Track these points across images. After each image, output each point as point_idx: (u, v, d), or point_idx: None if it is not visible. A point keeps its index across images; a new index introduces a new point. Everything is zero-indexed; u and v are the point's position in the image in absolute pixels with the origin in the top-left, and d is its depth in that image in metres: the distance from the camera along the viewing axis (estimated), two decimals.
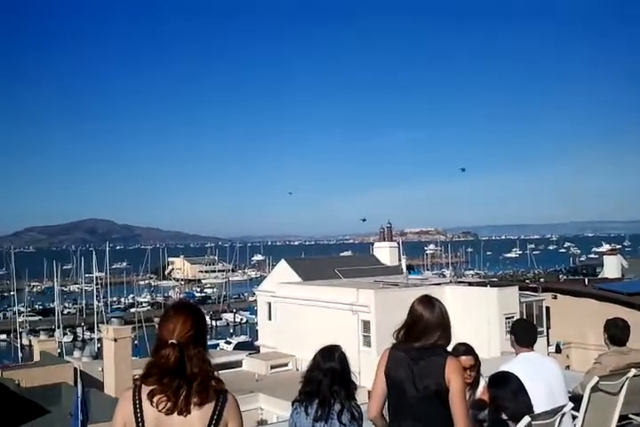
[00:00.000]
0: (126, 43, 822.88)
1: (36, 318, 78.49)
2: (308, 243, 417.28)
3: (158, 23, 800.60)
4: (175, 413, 2.79)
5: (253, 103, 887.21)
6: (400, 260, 43.00)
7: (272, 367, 33.56)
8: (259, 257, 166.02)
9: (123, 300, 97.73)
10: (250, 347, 45.19)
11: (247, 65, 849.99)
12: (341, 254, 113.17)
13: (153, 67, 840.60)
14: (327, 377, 4.44)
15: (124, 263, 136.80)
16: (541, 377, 5.11)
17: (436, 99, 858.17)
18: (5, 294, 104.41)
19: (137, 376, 2.99)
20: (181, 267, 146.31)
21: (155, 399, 2.80)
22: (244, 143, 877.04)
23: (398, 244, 46.02)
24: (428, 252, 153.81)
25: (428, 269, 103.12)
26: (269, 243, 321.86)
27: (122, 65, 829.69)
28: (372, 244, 48.80)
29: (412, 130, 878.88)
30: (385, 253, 43.76)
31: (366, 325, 30.89)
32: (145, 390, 2.86)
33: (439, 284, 36.23)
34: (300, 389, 4.58)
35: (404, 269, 39.79)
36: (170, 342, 2.86)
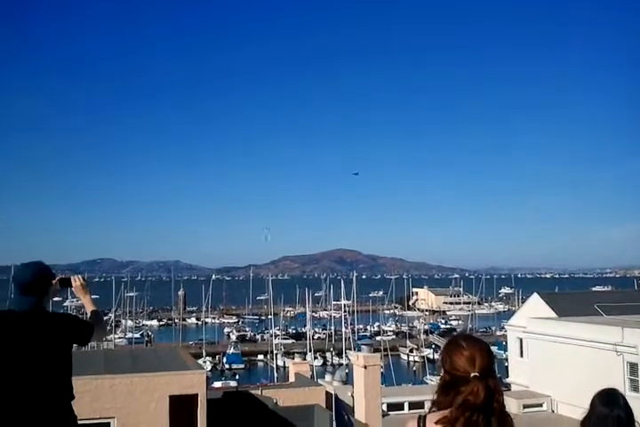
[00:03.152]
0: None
1: (290, 341, 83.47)
2: (560, 276, 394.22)
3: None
4: None
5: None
6: None
7: (525, 407, 31.64)
8: (507, 290, 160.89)
9: (369, 328, 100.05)
10: None
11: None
12: (597, 289, 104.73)
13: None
14: (611, 426, 3.75)
15: (381, 292, 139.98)
16: None
17: None
18: (263, 318, 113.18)
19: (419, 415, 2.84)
20: (426, 297, 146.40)
21: None
22: (490, 177, 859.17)
23: None
24: None
25: None
26: (518, 275, 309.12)
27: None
28: (638, 278, 44.12)
29: None
30: None
31: (633, 367, 28.05)
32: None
33: None
34: None
35: None
36: (473, 375, 2.64)
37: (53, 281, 4.12)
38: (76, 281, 4.34)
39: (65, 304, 75.25)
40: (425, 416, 2.77)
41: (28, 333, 3.81)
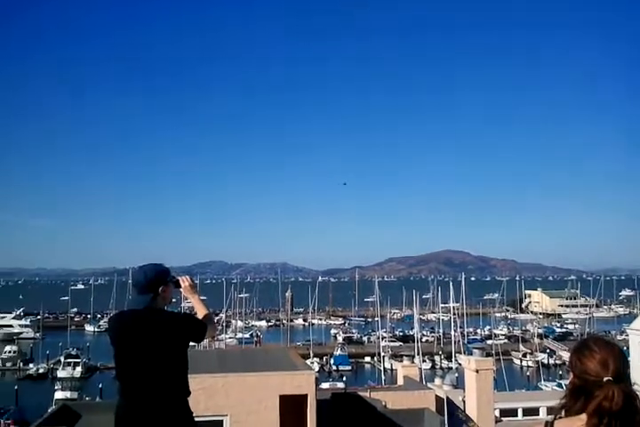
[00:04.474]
0: None
1: (397, 343, 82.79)
2: None
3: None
4: None
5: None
6: None
7: None
8: (628, 292, 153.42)
9: (479, 331, 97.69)
10: None
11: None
12: None
13: None
14: None
15: (496, 294, 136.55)
16: None
17: None
18: (369, 320, 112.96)
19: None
20: (539, 300, 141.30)
21: None
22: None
23: None
24: None
25: None
26: None
27: None
28: None
29: None
30: None
31: None
32: None
33: None
34: None
35: None
36: (606, 379, 2.48)
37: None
38: (185, 282, 4.41)
39: (182, 305, 78.14)
40: (552, 422, 2.62)
41: (143, 330, 3.93)
